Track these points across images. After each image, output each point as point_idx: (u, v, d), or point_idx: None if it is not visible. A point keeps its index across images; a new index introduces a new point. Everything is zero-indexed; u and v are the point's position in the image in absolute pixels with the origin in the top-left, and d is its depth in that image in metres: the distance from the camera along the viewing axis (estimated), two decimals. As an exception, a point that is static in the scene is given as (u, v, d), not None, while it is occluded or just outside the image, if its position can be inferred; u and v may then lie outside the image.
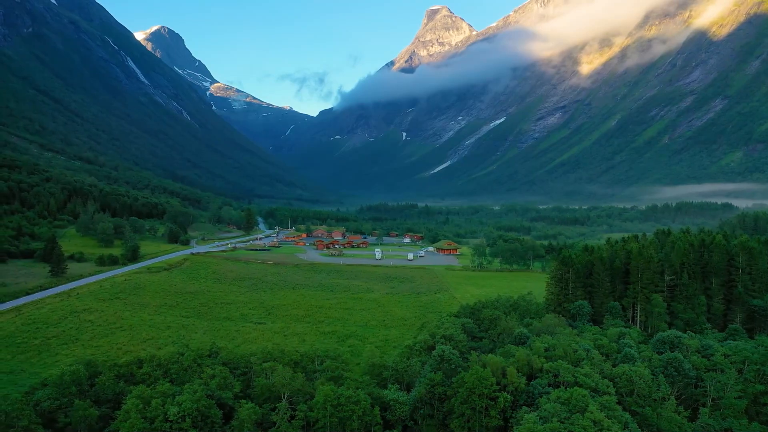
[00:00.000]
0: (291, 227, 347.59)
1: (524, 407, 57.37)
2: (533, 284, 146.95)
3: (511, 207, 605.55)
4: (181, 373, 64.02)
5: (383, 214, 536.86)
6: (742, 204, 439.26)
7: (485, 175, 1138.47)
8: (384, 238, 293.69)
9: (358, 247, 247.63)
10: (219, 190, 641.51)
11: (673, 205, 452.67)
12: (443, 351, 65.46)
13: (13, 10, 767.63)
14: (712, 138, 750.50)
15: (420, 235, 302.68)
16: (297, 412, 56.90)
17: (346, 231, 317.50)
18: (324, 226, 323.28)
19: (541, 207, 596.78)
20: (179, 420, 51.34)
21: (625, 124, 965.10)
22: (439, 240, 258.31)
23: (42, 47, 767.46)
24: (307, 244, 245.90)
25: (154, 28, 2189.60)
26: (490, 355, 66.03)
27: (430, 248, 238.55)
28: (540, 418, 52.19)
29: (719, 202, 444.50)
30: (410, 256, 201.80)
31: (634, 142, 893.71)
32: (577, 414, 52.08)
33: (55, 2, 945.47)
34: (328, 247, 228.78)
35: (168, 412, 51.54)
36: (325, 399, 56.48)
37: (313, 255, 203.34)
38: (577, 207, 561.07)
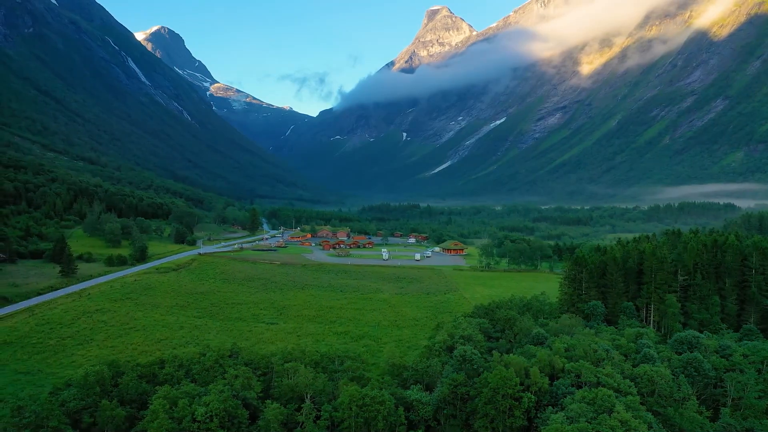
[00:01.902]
0: (295, 227, 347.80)
1: (549, 407, 57.44)
2: (542, 284, 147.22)
3: (513, 207, 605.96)
4: (203, 373, 64.07)
5: (385, 214, 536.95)
6: (744, 204, 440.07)
7: (486, 176, 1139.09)
8: (389, 238, 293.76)
9: (364, 247, 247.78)
10: (220, 191, 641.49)
11: (676, 205, 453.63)
12: (465, 351, 65.50)
13: (14, 11, 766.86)
14: (713, 138, 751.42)
15: (425, 235, 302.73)
16: (322, 413, 56.94)
17: (350, 231, 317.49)
18: (328, 226, 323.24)
19: (543, 207, 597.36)
20: (207, 420, 51.43)
21: (625, 124, 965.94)
22: (445, 240, 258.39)
23: (43, 47, 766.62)
24: (313, 245, 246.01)
25: (154, 28, 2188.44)
26: (512, 355, 66.08)
27: (437, 248, 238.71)
28: (567, 418, 52.24)
29: (721, 203, 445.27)
30: (417, 256, 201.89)
31: (635, 142, 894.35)
32: (604, 414, 52.15)
33: (55, 2, 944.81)
34: (334, 248, 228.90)
35: (195, 413, 51.61)
36: (350, 399, 56.47)
37: (319, 255, 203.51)
38: (579, 207, 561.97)
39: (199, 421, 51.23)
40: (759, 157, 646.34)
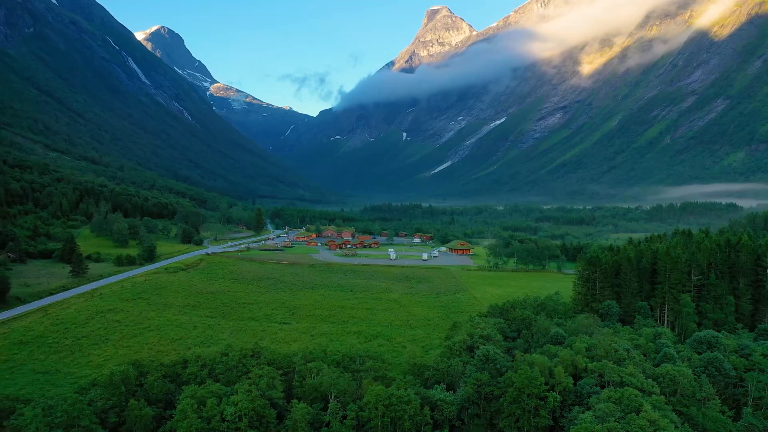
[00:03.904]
0: (299, 227, 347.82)
1: (576, 407, 57.56)
2: (551, 284, 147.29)
3: (515, 207, 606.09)
4: (226, 373, 64.10)
5: (387, 214, 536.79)
6: (746, 204, 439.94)
7: (486, 176, 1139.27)
8: (393, 238, 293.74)
9: (370, 247, 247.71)
10: (222, 190, 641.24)
11: (678, 205, 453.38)
12: (488, 351, 65.60)
13: (15, 10, 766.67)
14: (714, 138, 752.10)
15: (429, 235, 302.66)
16: (348, 412, 56.99)
17: (355, 231, 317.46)
18: (333, 226, 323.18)
19: (545, 207, 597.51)
20: (236, 420, 51.47)
21: (626, 124, 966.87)
22: (450, 240, 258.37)
23: (43, 47, 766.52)
24: (319, 244, 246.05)
25: (154, 28, 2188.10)
26: (535, 354, 66.19)
27: (443, 248, 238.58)
28: (595, 417, 52.34)
29: (724, 203, 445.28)
30: (425, 256, 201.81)
31: (636, 142, 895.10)
32: (632, 414, 52.27)
33: (56, 2, 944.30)
34: (340, 248, 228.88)
35: (224, 412, 51.68)
36: (376, 399, 56.56)
37: (326, 255, 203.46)
38: (581, 207, 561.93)
39: (228, 421, 51.32)
40: (760, 157, 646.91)
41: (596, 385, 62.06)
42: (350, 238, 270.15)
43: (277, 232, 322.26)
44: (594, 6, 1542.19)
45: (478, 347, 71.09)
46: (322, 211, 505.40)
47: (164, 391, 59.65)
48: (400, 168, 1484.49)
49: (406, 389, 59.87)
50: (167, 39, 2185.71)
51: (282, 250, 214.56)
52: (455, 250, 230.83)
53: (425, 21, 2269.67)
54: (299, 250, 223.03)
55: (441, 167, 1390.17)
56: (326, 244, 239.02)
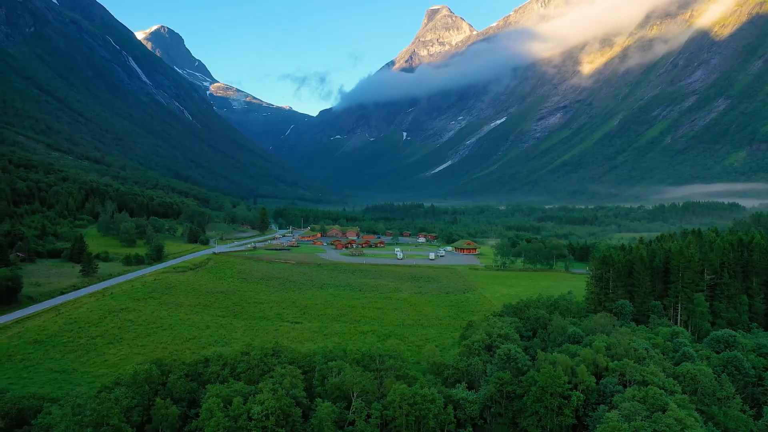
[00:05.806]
0: (303, 227, 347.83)
1: (602, 406, 57.64)
2: (560, 283, 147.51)
3: (517, 207, 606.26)
4: (248, 372, 64.02)
5: (389, 213, 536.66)
6: (748, 203, 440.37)
7: (487, 175, 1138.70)
8: (398, 237, 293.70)
9: (376, 246, 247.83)
10: (223, 190, 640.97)
11: (680, 205, 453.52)
12: (509, 350, 65.64)
13: (15, 10, 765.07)
14: (716, 138, 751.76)
15: (434, 234, 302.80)
16: (372, 411, 57.02)
17: (359, 231, 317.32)
18: (337, 225, 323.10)
19: (546, 207, 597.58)
20: (262, 418, 51.47)
21: (627, 124, 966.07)
22: (456, 240, 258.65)
23: (44, 47, 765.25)
24: (325, 244, 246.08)
25: (154, 27, 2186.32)
26: (557, 353, 66.25)
27: (449, 248, 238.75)
28: (622, 416, 52.42)
29: (726, 202, 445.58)
30: (432, 255, 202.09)
31: (637, 142, 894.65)
32: (658, 413, 52.34)
33: (56, 2, 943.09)
34: (346, 247, 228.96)
35: (251, 411, 51.69)
36: (400, 398, 56.63)
37: (333, 255, 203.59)
38: (582, 207, 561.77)
39: (254, 420, 51.30)
40: (761, 157, 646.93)
41: (618, 384, 62.17)
42: (355, 238, 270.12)
43: (282, 231, 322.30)
44: (594, 6, 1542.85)
45: (497, 346, 71.19)
46: (324, 210, 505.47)
47: (187, 390, 59.60)
48: (401, 168, 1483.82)
49: (429, 388, 59.95)
50: (167, 39, 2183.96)
51: (288, 249, 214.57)
52: (461, 249, 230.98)
53: (425, 21, 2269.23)
54: (305, 249, 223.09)
55: (441, 167, 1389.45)
56: (332, 244, 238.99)
